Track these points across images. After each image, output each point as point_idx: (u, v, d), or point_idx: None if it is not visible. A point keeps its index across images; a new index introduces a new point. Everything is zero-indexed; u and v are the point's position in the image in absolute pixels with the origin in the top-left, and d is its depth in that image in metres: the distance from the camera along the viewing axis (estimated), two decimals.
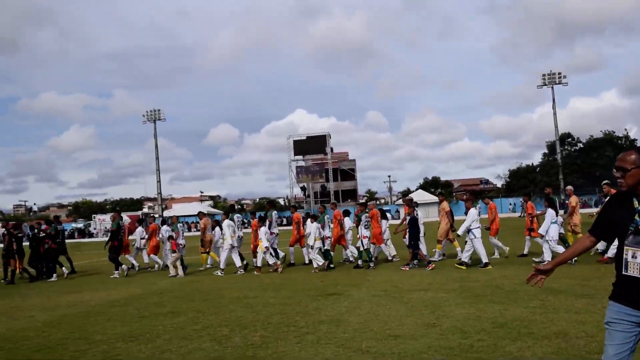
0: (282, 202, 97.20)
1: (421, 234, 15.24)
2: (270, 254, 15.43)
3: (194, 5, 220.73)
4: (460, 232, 13.93)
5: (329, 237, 15.64)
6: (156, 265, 18.03)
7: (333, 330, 7.18)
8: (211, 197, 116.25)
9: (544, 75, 63.23)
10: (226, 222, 15.51)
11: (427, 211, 49.07)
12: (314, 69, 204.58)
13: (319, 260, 14.85)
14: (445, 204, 15.64)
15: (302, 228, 16.23)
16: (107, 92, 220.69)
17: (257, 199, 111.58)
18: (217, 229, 16.52)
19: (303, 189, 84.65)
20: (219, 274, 15.05)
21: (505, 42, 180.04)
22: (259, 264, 15.23)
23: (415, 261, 14.21)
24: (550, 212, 13.83)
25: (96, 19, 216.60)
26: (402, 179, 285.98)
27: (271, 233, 15.90)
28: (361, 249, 14.93)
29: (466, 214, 13.86)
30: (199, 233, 17.55)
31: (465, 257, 13.60)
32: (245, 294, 11.23)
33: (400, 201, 68.51)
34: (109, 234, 17.61)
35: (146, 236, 18.47)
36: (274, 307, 9.40)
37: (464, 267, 13.29)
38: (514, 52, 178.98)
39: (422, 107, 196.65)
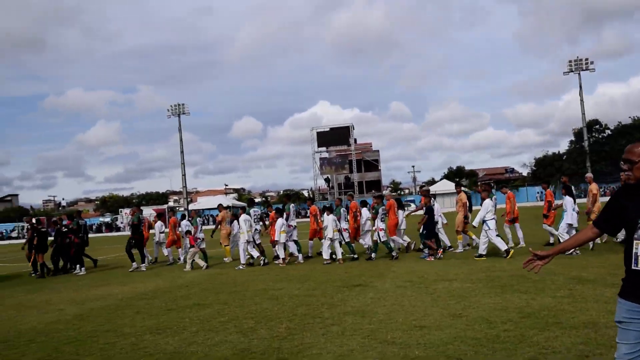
0: (306, 194, 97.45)
1: (439, 225, 15.36)
2: (285, 246, 15.56)
3: (217, 0, 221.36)
4: (475, 223, 13.85)
5: (345, 229, 15.65)
6: (171, 258, 18.24)
7: (358, 322, 7.18)
8: (236, 190, 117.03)
9: (570, 61, 62.01)
10: (243, 217, 15.60)
11: (451, 202, 48.72)
12: (336, 61, 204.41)
13: (326, 254, 14.90)
14: (462, 195, 15.58)
15: (319, 220, 16.25)
16: (132, 87, 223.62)
17: (281, 191, 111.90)
18: (235, 222, 16.60)
19: (327, 180, 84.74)
20: (241, 267, 15.13)
21: (529, 29, 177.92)
22: (282, 255, 15.28)
23: (430, 251, 14.23)
24: (568, 200, 13.69)
25: (120, 16, 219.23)
26: (426, 169, 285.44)
27: (289, 225, 15.95)
28: (378, 241, 14.92)
29: (481, 204, 13.84)
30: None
31: (482, 249, 13.53)
32: (270, 286, 11.29)
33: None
34: (130, 228, 17.83)
35: (165, 230, 18.67)
36: (299, 298, 9.43)
37: (483, 259, 13.22)
38: (538, 39, 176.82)
39: (446, 96, 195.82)
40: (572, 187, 15.56)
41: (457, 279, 10.41)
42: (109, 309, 9.73)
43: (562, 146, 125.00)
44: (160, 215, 20.05)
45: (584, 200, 17.63)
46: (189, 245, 16.34)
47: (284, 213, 15.88)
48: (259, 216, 16.98)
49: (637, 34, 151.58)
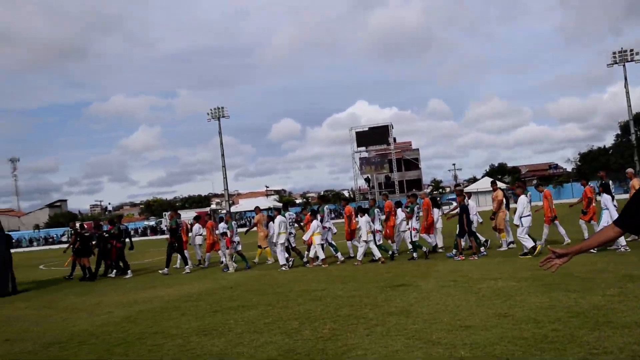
0: (346, 194, 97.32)
1: (475, 224, 15.36)
2: (322, 247, 15.59)
3: (253, 3, 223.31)
4: (516, 221, 13.71)
5: (379, 230, 15.62)
6: (206, 263, 18.45)
7: (402, 322, 7.15)
8: (276, 192, 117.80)
9: (614, 53, 60.42)
10: (278, 219, 15.69)
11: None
12: (373, 60, 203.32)
13: (375, 254, 14.95)
14: (498, 193, 15.57)
15: (353, 221, 16.26)
16: (172, 92, 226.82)
17: (322, 192, 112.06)
18: (272, 224, 16.70)
19: (367, 180, 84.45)
20: (283, 268, 15.23)
21: (571, 21, 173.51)
22: (322, 256, 15.34)
23: (455, 251, 14.22)
24: (606, 197, 13.39)
25: (160, 23, 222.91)
26: (467, 167, 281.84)
27: (323, 227, 15.98)
28: (410, 240, 15.00)
29: (516, 201, 13.76)
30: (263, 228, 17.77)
31: (526, 247, 13.46)
32: (314, 287, 11.33)
33: (466, 189, 67.39)
34: (168, 232, 18.13)
35: (203, 233, 18.91)
36: (342, 299, 9.44)
37: (529, 256, 13.05)
38: (580, 31, 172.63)
39: (486, 92, 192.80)
40: (611, 183, 15.23)
41: (501, 277, 10.26)
42: (156, 311, 9.92)
43: (608, 140, 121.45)
44: (197, 218, 20.30)
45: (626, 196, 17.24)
46: (225, 248, 16.58)
47: (318, 215, 15.94)
48: (294, 219, 17.10)
49: None
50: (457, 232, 14.30)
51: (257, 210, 18.62)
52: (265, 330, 7.42)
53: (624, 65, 60.19)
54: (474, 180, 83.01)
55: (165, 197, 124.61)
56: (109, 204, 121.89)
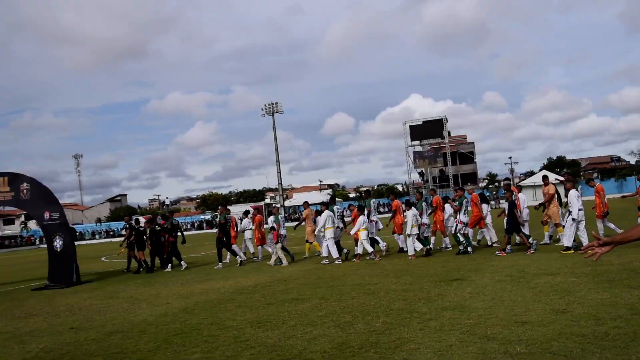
0: (400, 188, 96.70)
1: (526, 218, 15.33)
2: (370, 242, 15.57)
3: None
4: (575, 216, 13.33)
5: (426, 223, 15.51)
6: (238, 258, 17.75)
7: (457, 317, 7.08)
8: (330, 186, 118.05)
9: None
10: (325, 213, 15.72)
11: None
12: (427, 53, 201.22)
13: (416, 247, 14.93)
14: (551, 187, 15.32)
15: (400, 215, 16.18)
16: (227, 88, 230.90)
17: (375, 186, 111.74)
18: (318, 218, 16.74)
19: (421, 174, 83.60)
20: (337, 262, 15.27)
21: (633, 9, 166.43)
22: (369, 250, 15.31)
23: (509, 247, 13.99)
24: None
25: (215, 21, 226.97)
26: (525, 160, 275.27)
27: (370, 221, 15.95)
28: (458, 233, 14.92)
29: (566, 195, 13.49)
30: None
31: (568, 242, 13.20)
32: (367, 280, 11.34)
33: (523, 183, 65.83)
34: (217, 227, 18.36)
35: (252, 227, 19.13)
36: (396, 293, 9.41)
37: (571, 251, 12.82)
38: None
39: (543, 84, 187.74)
40: None
41: (560, 273, 10.00)
42: (212, 303, 10.13)
43: None
44: (246, 213, 20.49)
45: None
46: (273, 242, 16.76)
47: (365, 209, 15.93)
48: (341, 213, 17.14)
49: None
50: (505, 228, 14.08)
51: (306, 205, 18.74)
52: (319, 323, 7.48)
53: None
54: (531, 173, 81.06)
55: (220, 191, 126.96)
56: (167, 198, 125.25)
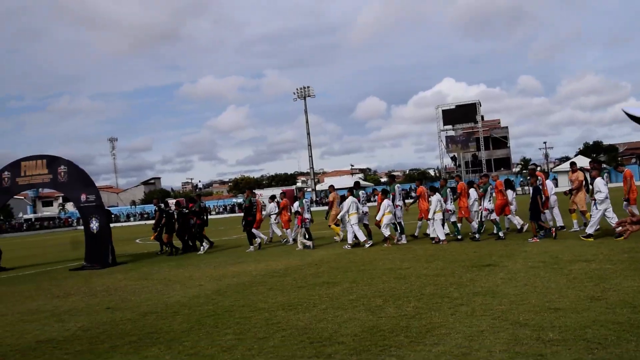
0: (432, 173, 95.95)
1: (553, 205, 15.33)
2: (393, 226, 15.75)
3: None
4: (600, 202, 13.10)
5: (449, 210, 15.48)
6: (258, 240, 17.87)
7: (488, 302, 7.03)
8: (361, 170, 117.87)
9: None
10: (349, 199, 15.71)
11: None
12: (461, 37, 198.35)
13: (439, 233, 14.96)
14: (579, 174, 15.21)
15: (425, 201, 16.11)
16: (259, 73, 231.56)
17: (407, 171, 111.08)
18: (344, 203, 16.73)
19: (453, 159, 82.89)
20: (367, 245, 15.30)
21: None
22: (386, 234, 15.41)
23: (542, 232, 13.83)
24: None
25: (247, 5, 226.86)
26: (560, 145, 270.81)
27: (395, 206, 15.93)
28: (479, 219, 15.05)
29: (591, 183, 13.35)
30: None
31: (591, 229, 13.06)
32: (398, 265, 11.33)
33: (557, 168, 64.72)
34: (243, 210, 18.51)
35: (277, 211, 19.26)
36: (427, 278, 9.39)
37: (591, 239, 12.66)
38: None
39: (580, 68, 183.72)
40: None
41: (595, 259, 9.85)
42: (244, 286, 10.26)
43: None
44: (272, 197, 20.42)
45: None
46: (297, 226, 16.89)
47: (390, 194, 15.89)
48: (366, 198, 17.16)
49: None
50: (529, 215, 13.91)
51: (331, 188, 18.79)
52: (349, 306, 7.51)
53: None
54: (566, 159, 79.45)
55: (252, 175, 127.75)
56: (200, 181, 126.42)
